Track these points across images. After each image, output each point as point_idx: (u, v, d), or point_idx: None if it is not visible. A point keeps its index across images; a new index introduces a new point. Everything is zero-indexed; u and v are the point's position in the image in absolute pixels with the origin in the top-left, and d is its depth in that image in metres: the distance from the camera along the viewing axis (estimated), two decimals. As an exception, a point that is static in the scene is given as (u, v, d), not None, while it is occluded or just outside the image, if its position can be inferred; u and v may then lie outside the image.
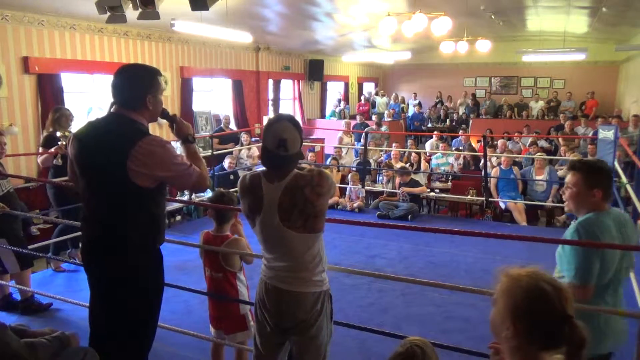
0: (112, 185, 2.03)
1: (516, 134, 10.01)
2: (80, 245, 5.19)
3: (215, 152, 7.70)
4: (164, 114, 2.24)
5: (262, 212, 1.97)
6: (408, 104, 15.13)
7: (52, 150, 4.69)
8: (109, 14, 4.59)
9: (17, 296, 4.08)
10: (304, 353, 2.07)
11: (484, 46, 9.49)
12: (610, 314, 2.03)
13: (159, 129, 7.11)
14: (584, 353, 1.07)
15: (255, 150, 8.45)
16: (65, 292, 4.25)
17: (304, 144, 2.13)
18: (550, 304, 1.11)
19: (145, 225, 2.11)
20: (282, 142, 1.91)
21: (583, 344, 1.07)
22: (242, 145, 8.50)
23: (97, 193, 2.10)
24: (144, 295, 2.12)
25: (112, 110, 2.12)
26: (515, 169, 7.30)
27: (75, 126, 5.37)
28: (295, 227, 1.92)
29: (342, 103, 13.94)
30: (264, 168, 2.02)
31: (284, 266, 2.00)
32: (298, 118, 3.33)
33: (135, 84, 2.09)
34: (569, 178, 2.11)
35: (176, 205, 6.91)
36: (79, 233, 4.86)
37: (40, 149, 4.94)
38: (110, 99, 2.12)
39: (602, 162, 2.21)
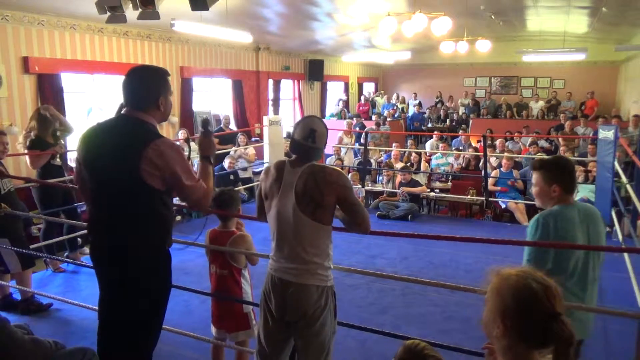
0: (124, 186, 2.02)
1: (516, 134, 10.00)
2: (78, 245, 5.22)
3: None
4: (205, 125, 2.26)
5: (279, 192, 2.10)
6: (408, 104, 15.13)
7: (51, 150, 4.68)
8: (109, 14, 4.58)
9: (17, 296, 4.08)
10: (308, 348, 2.10)
11: (484, 46, 9.49)
12: (609, 313, 2.04)
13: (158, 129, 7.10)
14: (572, 350, 1.07)
15: (251, 150, 8.43)
16: (65, 292, 4.25)
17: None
18: (538, 302, 1.11)
19: (155, 226, 2.11)
20: (312, 132, 2.11)
21: (572, 342, 1.07)
22: (238, 146, 8.46)
23: (107, 194, 2.09)
24: (146, 296, 2.11)
25: (122, 111, 2.11)
26: (516, 172, 7.27)
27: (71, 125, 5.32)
28: (307, 212, 2.03)
29: (341, 103, 13.93)
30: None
31: (290, 258, 2.08)
32: (298, 118, 3.37)
33: (148, 85, 2.09)
34: (533, 177, 2.26)
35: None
36: (76, 233, 4.91)
37: (27, 151, 4.70)
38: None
39: (560, 158, 2.35)
